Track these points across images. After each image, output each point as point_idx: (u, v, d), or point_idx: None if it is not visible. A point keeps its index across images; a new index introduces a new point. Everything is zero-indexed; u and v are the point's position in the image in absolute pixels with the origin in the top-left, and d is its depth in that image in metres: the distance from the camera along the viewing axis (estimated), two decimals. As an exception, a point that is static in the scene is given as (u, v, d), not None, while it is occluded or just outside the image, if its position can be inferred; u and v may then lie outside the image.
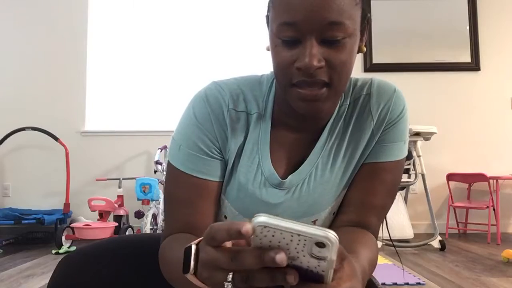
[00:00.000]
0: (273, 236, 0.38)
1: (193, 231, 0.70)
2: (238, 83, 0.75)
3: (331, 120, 0.75)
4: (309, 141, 0.75)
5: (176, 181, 0.73)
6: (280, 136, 0.75)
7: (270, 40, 0.67)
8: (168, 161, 0.75)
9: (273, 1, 0.66)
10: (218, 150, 0.73)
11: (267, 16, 0.69)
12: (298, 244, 0.38)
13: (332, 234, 0.37)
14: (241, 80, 0.76)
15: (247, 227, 0.37)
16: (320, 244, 0.37)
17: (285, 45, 0.64)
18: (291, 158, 0.75)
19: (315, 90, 0.64)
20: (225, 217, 0.76)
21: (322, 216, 0.76)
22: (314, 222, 0.76)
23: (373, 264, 0.66)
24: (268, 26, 0.70)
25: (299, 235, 0.37)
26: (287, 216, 0.74)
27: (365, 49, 0.70)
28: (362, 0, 0.67)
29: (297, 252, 0.38)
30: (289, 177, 0.74)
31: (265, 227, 0.38)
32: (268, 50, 0.70)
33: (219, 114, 0.72)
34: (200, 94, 0.74)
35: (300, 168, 0.74)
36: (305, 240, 0.37)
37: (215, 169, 0.73)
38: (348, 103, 0.76)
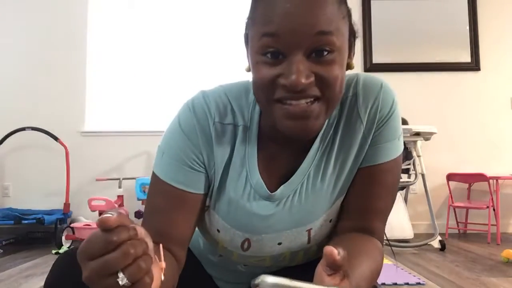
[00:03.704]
0: None
1: (163, 240, 0.66)
2: (226, 92, 0.73)
3: (323, 128, 0.72)
4: (300, 151, 0.72)
5: (155, 189, 0.72)
6: (268, 147, 0.72)
7: (250, 58, 0.63)
8: (153, 168, 0.74)
9: (252, 15, 0.62)
10: (201, 163, 0.71)
11: (246, 35, 0.67)
12: None
13: None
14: (228, 89, 0.74)
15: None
16: None
17: (268, 61, 0.60)
18: (281, 169, 0.73)
19: (303, 104, 0.59)
20: (218, 230, 0.75)
21: (317, 224, 0.74)
22: (308, 231, 0.75)
23: (375, 273, 0.65)
24: (246, 45, 0.66)
25: None
26: (280, 227, 0.74)
27: (353, 65, 0.67)
28: (349, 15, 0.64)
29: None
30: (280, 188, 0.72)
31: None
32: (248, 71, 0.66)
33: (205, 126, 0.70)
34: (188, 104, 0.72)
35: (291, 178, 0.72)
36: None
37: (195, 182, 0.71)
38: (337, 107, 0.72)
